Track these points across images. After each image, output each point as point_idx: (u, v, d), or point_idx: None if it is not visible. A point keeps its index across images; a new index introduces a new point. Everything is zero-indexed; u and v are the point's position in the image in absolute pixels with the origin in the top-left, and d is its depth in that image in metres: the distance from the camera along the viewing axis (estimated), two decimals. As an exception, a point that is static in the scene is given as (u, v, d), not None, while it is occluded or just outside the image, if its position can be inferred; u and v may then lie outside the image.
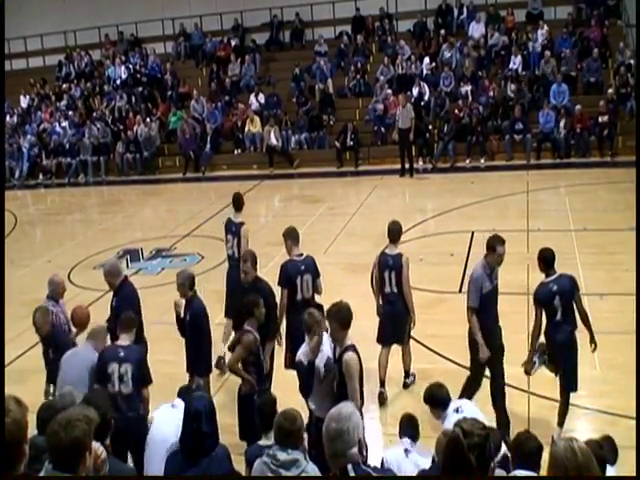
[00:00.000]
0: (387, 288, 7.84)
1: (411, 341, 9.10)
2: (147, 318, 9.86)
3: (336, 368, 5.66)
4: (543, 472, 4.39)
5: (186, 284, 7.11)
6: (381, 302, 7.98)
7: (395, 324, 7.94)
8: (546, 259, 6.82)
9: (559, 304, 6.68)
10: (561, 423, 6.76)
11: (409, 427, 5.41)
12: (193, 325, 7.04)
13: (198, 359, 7.10)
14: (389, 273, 7.79)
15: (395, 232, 7.97)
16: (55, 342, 6.93)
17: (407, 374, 8.29)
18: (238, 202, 8.90)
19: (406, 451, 5.12)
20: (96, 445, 3.41)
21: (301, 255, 7.80)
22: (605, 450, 4.21)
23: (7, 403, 2.85)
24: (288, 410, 4.38)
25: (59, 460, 3.09)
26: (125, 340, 5.97)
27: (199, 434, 4.43)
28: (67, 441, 3.05)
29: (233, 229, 8.74)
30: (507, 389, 7.86)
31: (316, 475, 4.23)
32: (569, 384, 6.77)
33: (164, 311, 10.22)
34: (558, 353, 6.76)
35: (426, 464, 4.89)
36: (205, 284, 11.87)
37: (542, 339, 6.92)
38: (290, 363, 6.98)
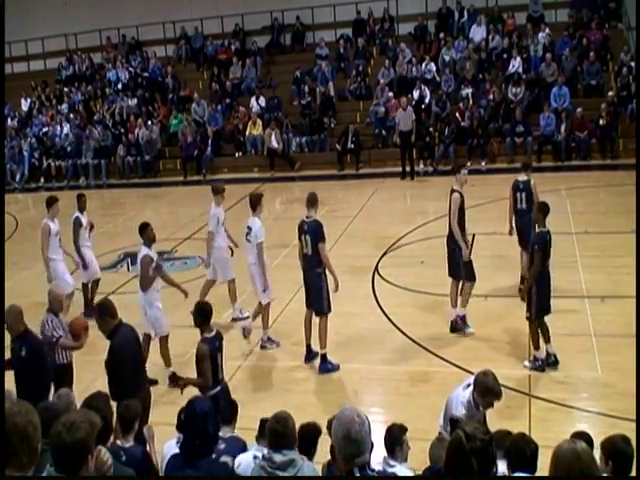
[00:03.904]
0: (519, 205, 10.33)
1: (411, 344, 9.15)
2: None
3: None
4: (544, 472, 4.40)
5: (18, 319, 6.65)
6: (514, 218, 10.39)
7: (522, 234, 10.06)
8: (544, 211, 8.23)
9: (550, 251, 8.16)
10: (536, 346, 8.25)
11: (389, 440, 5.31)
12: (33, 359, 6.48)
13: (40, 392, 6.25)
14: (520, 194, 10.32)
15: (526, 163, 11.01)
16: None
17: (522, 280, 9.86)
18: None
19: (384, 472, 5.11)
20: (102, 450, 3.41)
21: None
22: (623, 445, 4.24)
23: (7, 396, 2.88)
24: (279, 413, 4.40)
25: (61, 462, 3.10)
26: (127, 440, 5.18)
27: (205, 434, 4.45)
28: (70, 443, 3.06)
29: None
30: (507, 391, 7.88)
31: (315, 475, 4.24)
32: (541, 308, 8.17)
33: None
34: (548, 287, 8.19)
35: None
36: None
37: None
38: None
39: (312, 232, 8.65)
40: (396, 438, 5.29)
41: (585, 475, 3.20)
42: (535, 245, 8.08)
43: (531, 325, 8.26)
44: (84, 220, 10.93)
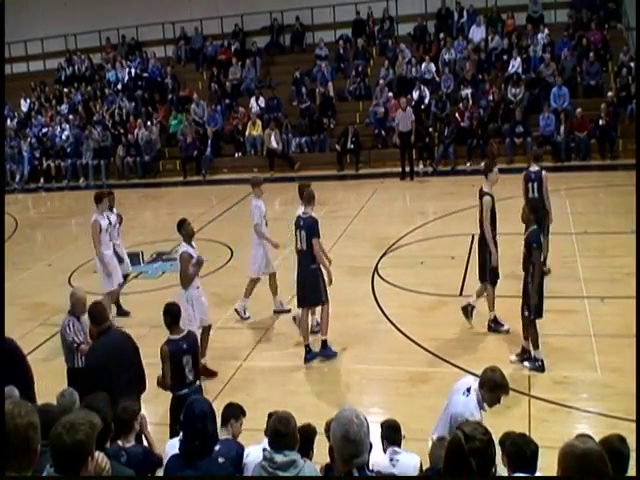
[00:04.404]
0: (530, 194, 10.52)
1: (411, 345, 9.15)
2: (148, 321, 9.92)
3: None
4: (544, 472, 4.39)
5: None
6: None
7: None
8: (537, 210, 8.50)
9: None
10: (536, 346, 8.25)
11: (391, 433, 5.37)
12: (7, 363, 6.10)
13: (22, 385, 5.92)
14: (532, 184, 10.58)
15: (537, 154, 11.67)
16: None
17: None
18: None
19: (391, 460, 5.13)
20: (100, 455, 3.41)
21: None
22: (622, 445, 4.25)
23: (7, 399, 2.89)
24: (281, 413, 4.39)
25: (61, 463, 3.10)
26: (128, 441, 5.21)
27: (205, 434, 4.46)
28: (70, 444, 3.06)
29: None
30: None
31: (315, 475, 4.23)
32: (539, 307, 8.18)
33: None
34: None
35: (414, 463, 4.98)
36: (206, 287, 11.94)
37: None
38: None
39: (307, 227, 8.75)
40: (396, 429, 5.37)
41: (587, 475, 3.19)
42: (533, 243, 8.05)
43: (530, 325, 8.24)
44: (112, 218, 10.86)
